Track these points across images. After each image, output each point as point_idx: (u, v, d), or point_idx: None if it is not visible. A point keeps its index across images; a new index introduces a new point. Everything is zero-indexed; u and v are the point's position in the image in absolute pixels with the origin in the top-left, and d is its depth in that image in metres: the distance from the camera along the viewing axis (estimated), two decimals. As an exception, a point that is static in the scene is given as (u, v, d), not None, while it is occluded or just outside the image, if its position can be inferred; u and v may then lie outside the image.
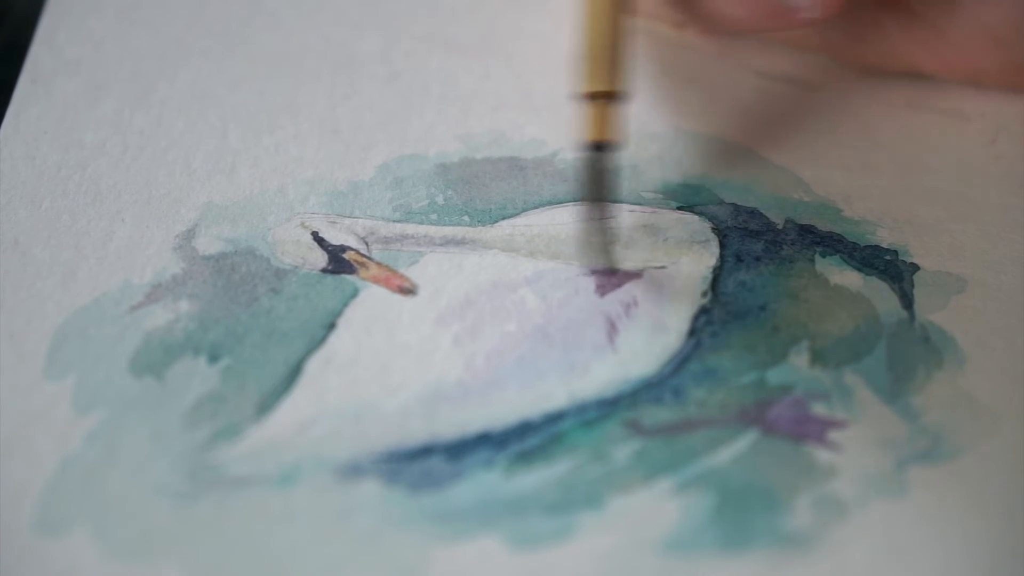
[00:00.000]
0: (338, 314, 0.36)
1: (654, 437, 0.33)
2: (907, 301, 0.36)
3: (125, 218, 0.39)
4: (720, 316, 0.36)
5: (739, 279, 0.37)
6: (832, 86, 0.44)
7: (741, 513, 0.31)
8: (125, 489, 0.32)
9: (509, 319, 0.36)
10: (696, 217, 0.39)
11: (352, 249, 0.38)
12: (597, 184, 0.36)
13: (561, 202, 0.40)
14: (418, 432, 0.33)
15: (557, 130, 0.42)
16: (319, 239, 0.38)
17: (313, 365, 0.34)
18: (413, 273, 0.37)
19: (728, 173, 0.40)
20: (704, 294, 0.36)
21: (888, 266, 0.37)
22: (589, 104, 0.35)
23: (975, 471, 0.32)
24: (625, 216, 0.39)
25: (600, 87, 0.35)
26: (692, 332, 0.35)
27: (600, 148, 0.35)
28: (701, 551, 0.30)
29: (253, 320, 0.36)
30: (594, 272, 0.37)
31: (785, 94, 0.44)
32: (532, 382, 0.34)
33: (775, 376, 0.34)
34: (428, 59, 0.46)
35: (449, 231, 0.39)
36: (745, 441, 0.33)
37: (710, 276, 0.37)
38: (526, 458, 0.32)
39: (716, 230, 0.38)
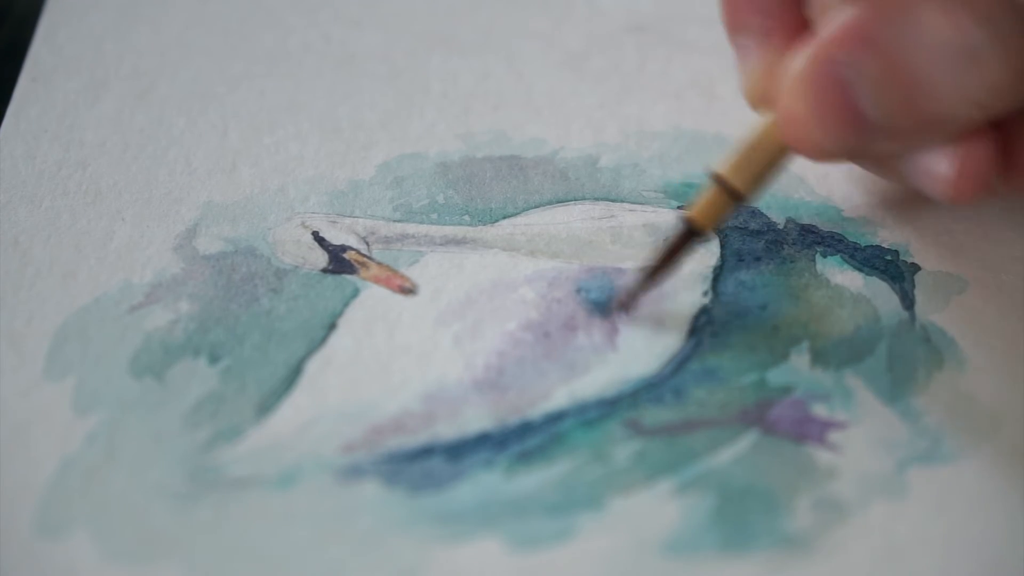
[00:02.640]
0: (338, 314, 0.36)
1: (654, 437, 0.33)
2: (908, 302, 0.36)
3: (125, 217, 0.39)
4: (720, 316, 0.36)
5: (740, 278, 0.37)
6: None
7: (741, 514, 0.31)
8: (125, 490, 0.32)
9: (509, 318, 0.36)
10: (697, 216, 0.39)
11: (353, 249, 0.38)
12: (669, 254, 0.35)
13: (562, 201, 0.40)
14: (418, 432, 0.33)
15: (558, 129, 0.42)
16: (320, 239, 0.38)
17: (313, 366, 0.34)
18: (414, 273, 0.37)
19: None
20: (704, 293, 0.36)
21: (889, 266, 0.37)
22: (713, 186, 0.34)
23: (975, 472, 0.32)
24: (626, 215, 0.39)
25: (735, 184, 0.34)
26: (692, 332, 0.35)
27: (692, 230, 0.34)
28: (701, 552, 0.30)
29: (253, 320, 0.35)
30: (595, 272, 0.37)
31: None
32: (532, 382, 0.34)
33: (776, 376, 0.34)
34: (429, 58, 0.46)
35: (450, 231, 0.38)
36: (745, 442, 0.33)
37: (710, 275, 0.37)
38: (526, 458, 0.32)
39: (716, 229, 0.38)
